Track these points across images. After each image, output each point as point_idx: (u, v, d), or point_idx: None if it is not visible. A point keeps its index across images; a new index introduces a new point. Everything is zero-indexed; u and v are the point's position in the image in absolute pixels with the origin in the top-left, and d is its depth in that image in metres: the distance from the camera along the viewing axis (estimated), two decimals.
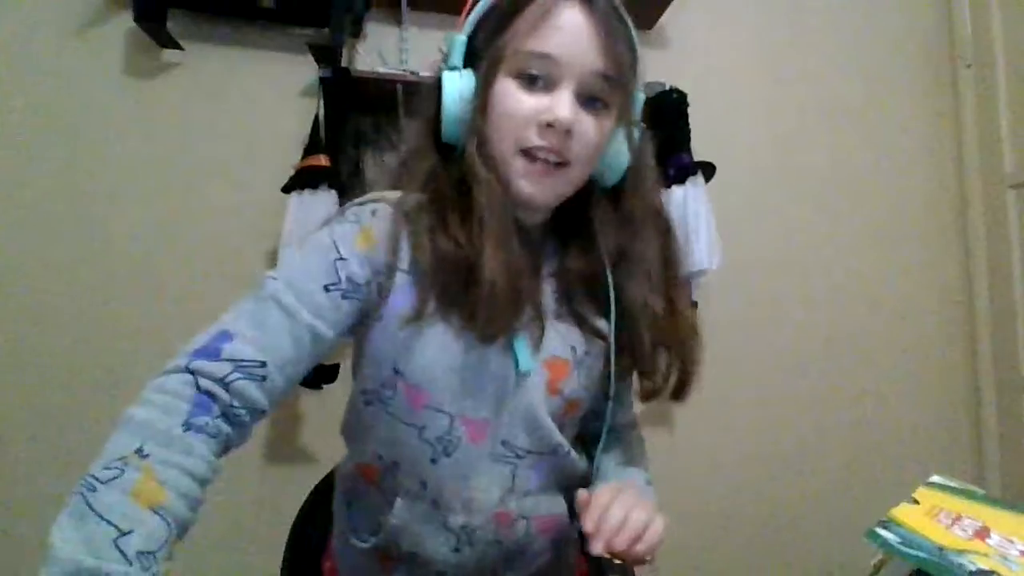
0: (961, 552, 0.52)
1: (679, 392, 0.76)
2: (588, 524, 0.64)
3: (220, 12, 1.84)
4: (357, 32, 1.90)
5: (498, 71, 0.65)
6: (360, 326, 0.69)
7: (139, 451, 0.52)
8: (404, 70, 1.82)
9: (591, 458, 0.82)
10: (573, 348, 0.73)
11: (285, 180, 1.68)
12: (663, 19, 2.04)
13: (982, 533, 0.55)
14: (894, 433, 2.13)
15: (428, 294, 0.65)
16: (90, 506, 0.48)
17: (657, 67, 2.01)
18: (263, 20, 1.85)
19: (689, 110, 1.86)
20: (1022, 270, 2.05)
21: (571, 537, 0.82)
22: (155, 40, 1.78)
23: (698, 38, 2.14)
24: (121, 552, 0.47)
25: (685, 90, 1.85)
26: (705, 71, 2.09)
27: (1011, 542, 0.54)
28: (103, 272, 1.78)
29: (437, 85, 0.69)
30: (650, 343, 0.72)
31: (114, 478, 0.50)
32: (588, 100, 0.67)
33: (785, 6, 2.22)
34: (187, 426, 0.55)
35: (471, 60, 0.69)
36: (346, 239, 0.66)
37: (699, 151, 1.84)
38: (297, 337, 0.62)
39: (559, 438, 0.73)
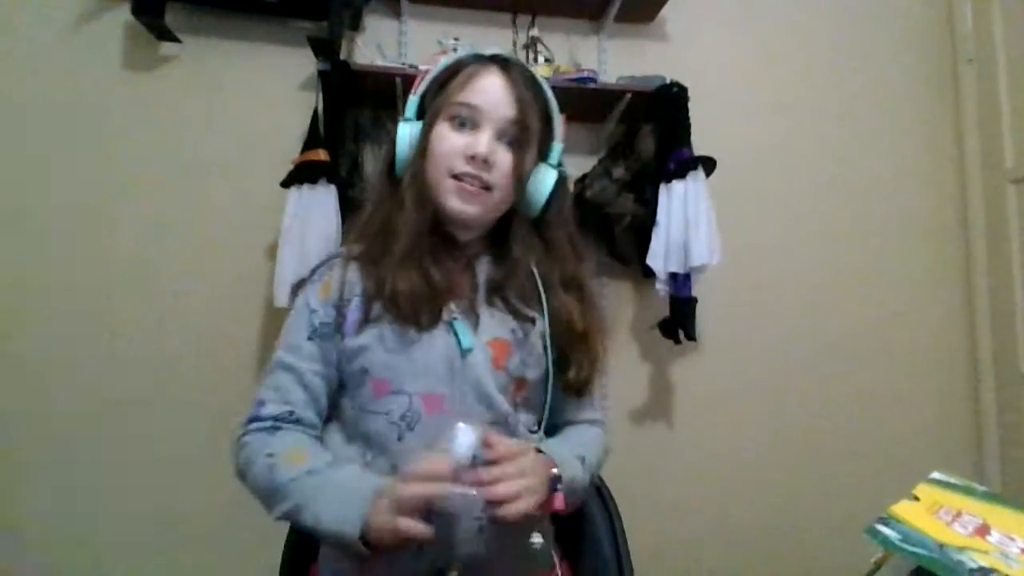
0: (961, 549, 0.52)
1: (586, 391, 0.91)
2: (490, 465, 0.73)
3: (218, 5, 1.83)
4: (356, 25, 1.89)
5: (436, 119, 0.86)
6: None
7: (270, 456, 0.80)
8: (403, 63, 1.82)
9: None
10: (513, 331, 0.86)
11: (284, 174, 1.67)
12: (663, 13, 2.03)
13: (982, 530, 0.54)
14: (894, 430, 2.12)
15: (372, 303, 0.83)
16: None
17: (657, 61, 2.01)
18: (261, 13, 1.84)
19: (689, 104, 1.85)
20: (1022, 266, 2.05)
21: (543, 517, 0.86)
22: (153, 33, 1.78)
23: (698, 32, 2.13)
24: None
25: (685, 84, 1.85)
26: (705, 65, 2.08)
27: (1012, 539, 0.53)
28: (102, 264, 1.78)
29: (394, 136, 0.90)
30: (573, 342, 0.88)
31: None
32: (506, 141, 0.86)
33: (785, 1, 2.21)
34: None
35: (420, 115, 0.90)
36: (313, 295, 0.88)
37: (699, 145, 1.84)
38: (305, 383, 0.85)
39: (507, 408, 0.84)
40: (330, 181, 1.66)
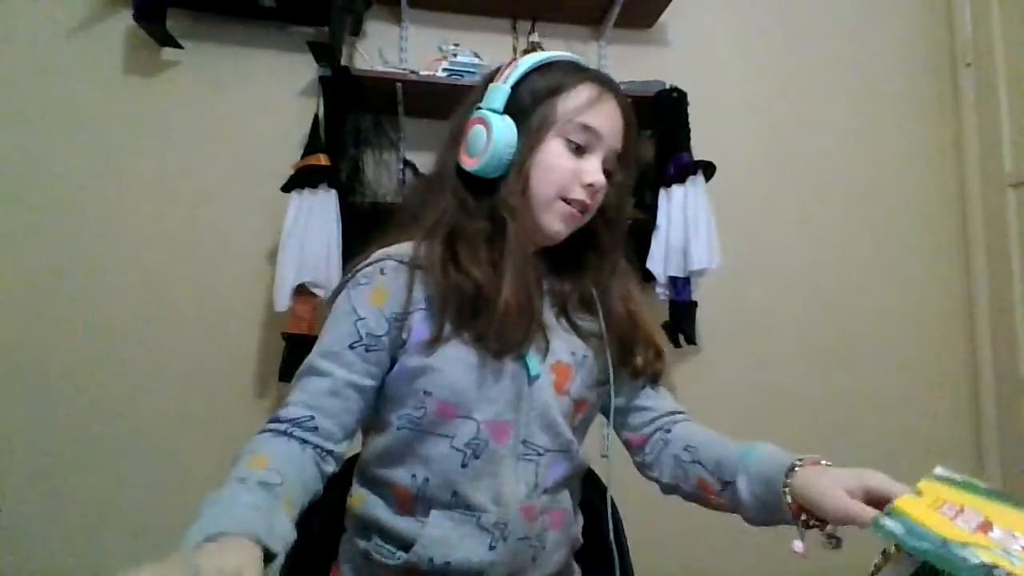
0: (964, 545, 0.52)
1: (656, 377, 0.93)
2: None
3: (220, 11, 1.84)
4: (357, 31, 1.90)
5: (548, 132, 0.81)
6: (391, 367, 0.80)
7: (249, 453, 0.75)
8: (404, 69, 1.82)
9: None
10: (573, 353, 0.84)
11: (285, 179, 1.68)
12: (663, 18, 2.04)
13: (984, 527, 0.54)
14: (894, 432, 2.12)
15: (443, 320, 0.77)
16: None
17: (657, 66, 2.01)
18: (262, 19, 1.85)
19: (689, 109, 1.86)
20: (1022, 269, 2.05)
21: (576, 534, 0.88)
22: (155, 39, 1.78)
23: (697, 37, 2.14)
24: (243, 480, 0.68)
25: (685, 89, 1.86)
26: (705, 70, 2.09)
27: (1013, 536, 0.53)
28: (102, 269, 1.78)
29: (463, 124, 0.83)
30: (630, 337, 0.88)
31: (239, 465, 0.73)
32: (607, 167, 0.84)
33: (785, 6, 2.22)
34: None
35: (509, 110, 0.81)
36: (361, 300, 0.79)
37: (699, 150, 1.84)
38: (336, 391, 0.77)
39: (570, 435, 0.83)
40: (331, 186, 1.67)
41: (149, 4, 1.68)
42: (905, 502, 0.58)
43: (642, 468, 0.92)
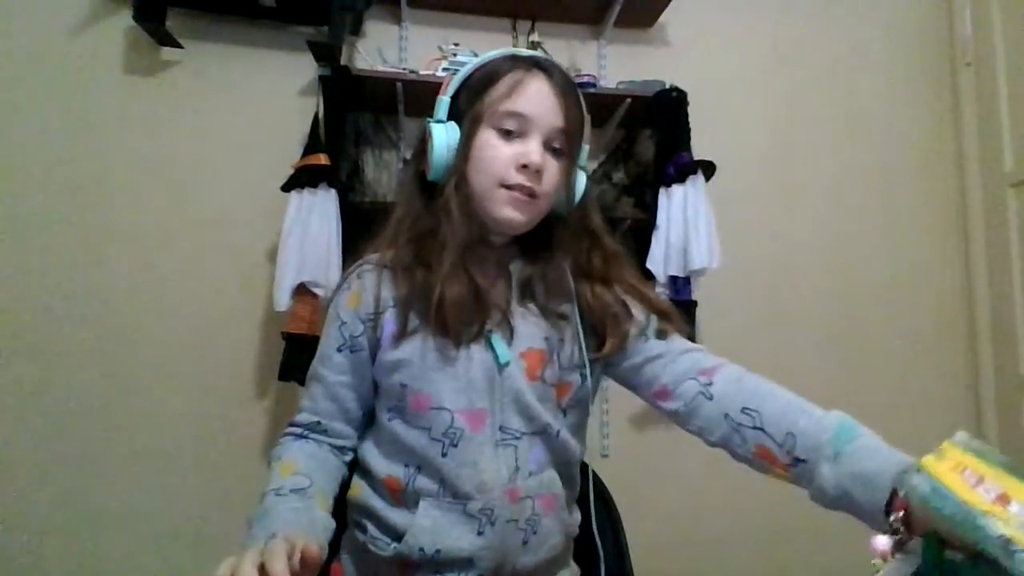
0: (985, 514, 0.51)
1: (665, 322, 0.89)
2: None
3: (219, 10, 1.84)
4: (357, 30, 1.90)
5: (479, 125, 0.83)
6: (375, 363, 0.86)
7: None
8: (404, 68, 1.82)
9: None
10: (546, 338, 0.85)
11: (285, 178, 1.68)
12: (663, 18, 2.04)
13: (1003, 499, 0.53)
14: (894, 431, 2.09)
15: (408, 315, 0.82)
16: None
17: (656, 66, 2.01)
18: (262, 18, 1.85)
19: (689, 109, 1.86)
20: (1022, 268, 2.05)
21: (572, 522, 0.88)
22: (154, 38, 1.79)
23: (697, 37, 2.14)
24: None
25: (685, 89, 1.85)
26: (705, 70, 2.09)
27: None
28: (102, 269, 1.79)
29: (423, 137, 0.86)
30: (604, 312, 0.87)
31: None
32: (552, 148, 0.85)
33: (784, 5, 2.22)
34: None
35: (453, 116, 0.86)
36: (342, 305, 0.87)
37: (699, 150, 1.84)
38: (334, 394, 0.86)
39: (547, 418, 0.84)
40: (331, 185, 1.67)
41: (149, 4, 1.69)
42: (930, 462, 0.57)
43: (677, 420, 0.87)
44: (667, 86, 1.86)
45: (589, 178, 0.93)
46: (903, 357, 2.16)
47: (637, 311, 0.88)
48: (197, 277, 1.82)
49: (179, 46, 1.81)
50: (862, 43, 2.24)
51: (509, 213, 0.83)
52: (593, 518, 0.87)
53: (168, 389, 1.79)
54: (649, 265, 1.80)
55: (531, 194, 0.83)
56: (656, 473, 1.97)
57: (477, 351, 0.82)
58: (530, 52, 0.88)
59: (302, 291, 1.65)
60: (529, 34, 1.92)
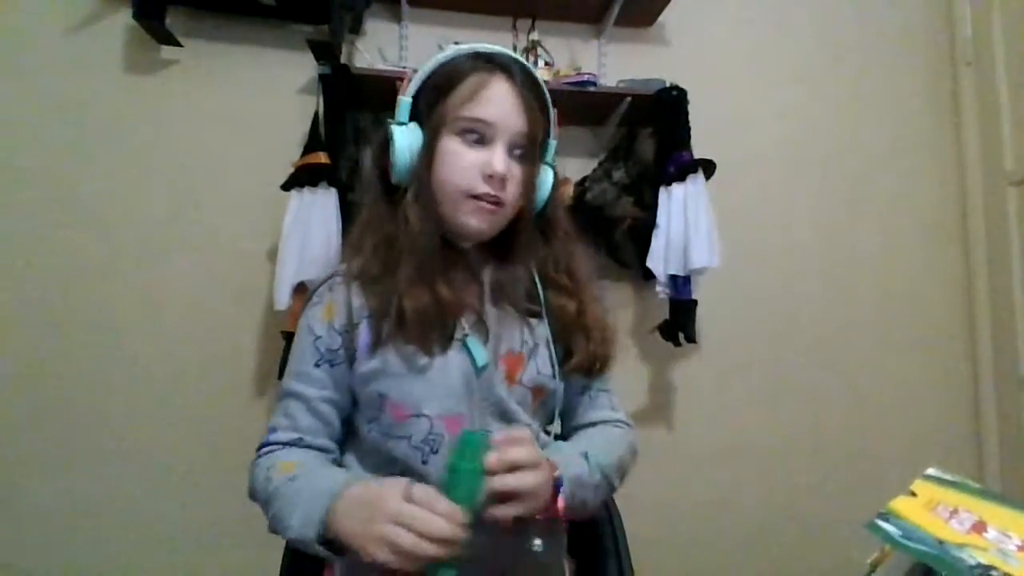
0: (960, 546, 0.52)
1: (600, 368, 0.90)
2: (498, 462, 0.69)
3: (219, 9, 1.83)
4: (356, 29, 1.90)
5: (442, 131, 0.81)
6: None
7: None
8: (404, 67, 1.82)
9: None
10: (525, 342, 0.85)
11: (285, 177, 1.68)
12: (662, 16, 2.04)
13: (979, 527, 0.54)
14: (894, 431, 2.12)
15: (381, 326, 0.81)
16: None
17: (657, 64, 2.01)
18: (262, 17, 1.84)
19: (689, 107, 1.85)
20: (1022, 268, 2.05)
21: (559, 524, 0.87)
22: (154, 37, 1.78)
23: (698, 36, 2.14)
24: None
25: (685, 87, 1.85)
26: (705, 69, 2.08)
27: (1008, 536, 0.53)
28: (101, 267, 1.78)
29: (385, 138, 0.85)
30: (571, 328, 0.88)
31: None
32: (517, 153, 0.83)
33: (784, 5, 2.21)
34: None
35: (415, 118, 0.84)
36: (315, 319, 0.85)
37: (699, 149, 1.84)
38: (313, 409, 0.83)
39: (527, 420, 0.84)
40: (331, 184, 1.66)
41: (149, 2, 1.68)
42: (900, 503, 0.58)
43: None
44: (667, 84, 1.86)
45: (556, 174, 0.92)
46: (903, 357, 2.16)
47: (603, 340, 0.89)
48: (197, 276, 1.82)
49: (179, 45, 1.81)
50: (862, 42, 2.24)
51: (474, 223, 0.82)
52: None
53: (168, 388, 1.79)
54: (649, 264, 1.80)
55: (496, 202, 0.82)
56: (654, 471, 1.97)
57: (454, 355, 0.81)
58: (491, 49, 0.85)
59: (302, 290, 1.65)
60: (529, 32, 1.92)
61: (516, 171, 0.83)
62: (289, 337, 1.66)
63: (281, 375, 1.68)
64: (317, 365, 0.83)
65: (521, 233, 0.88)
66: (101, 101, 1.81)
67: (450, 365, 0.81)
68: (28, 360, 1.74)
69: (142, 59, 1.84)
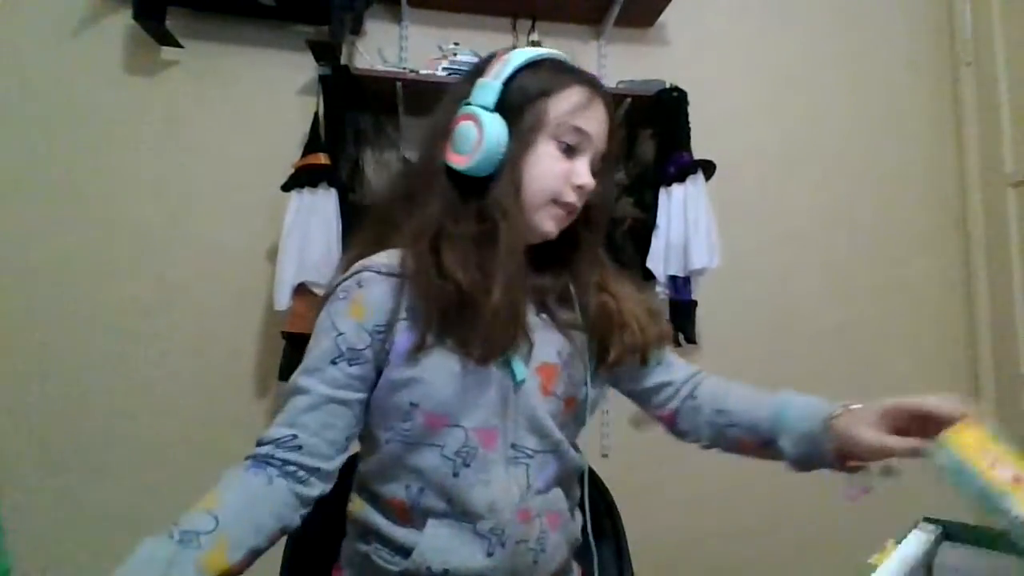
0: (1003, 494, 0.53)
1: (655, 347, 0.92)
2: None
3: (219, 9, 1.83)
4: (357, 30, 1.90)
5: (539, 134, 0.79)
6: (377, 380, 0.79)
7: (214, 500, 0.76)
8: (404, 68, 1.82)
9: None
10: (559, 352, 0.83)
11: (285, 178, 1.68)
12: (662, 18, 2.04)
13: (1018, 480, 0.55)
14: None
15: (427, 328, 0.75)
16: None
17: (657, 66, 2.01)
18: (262, 17, 1.85)
19: (689, 108, 1.86)
20: (1022, 268, 2.05)
21: (575, 532, 0.87)
22: (154, 37, 1.78)
23: (698, 37, 2.14)
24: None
25: (685, 88, 1.85)
26: (705, 70, 2.08)
27: None
28: (101, 267, 1.78)
29: (449, 121, 0.80)
30: (609, 326, 0.86)
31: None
32: (593, 168, 0.83)
33: (784, 5, 2.22)
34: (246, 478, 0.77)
35: (499, 107, 0.79)
36: (340, 315, 0.78)
37: (699, 150, 1.84)
38: (318, 407, 0.76)
39: (559, 436, 0.82)
40: (331, 185, 1.67)
41: (149, 2, 1.68)
42: (952, 436, 0.60)
43: (680, 436, 0.97)
44: (667, 86, 1.86)
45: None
46: (903, 357, 2.16)
47: (643, 328, 0.88)
48: (197, 276, 1.82)
49: (179, 45, 1.81)
50: (862, 43, 2.24)
51: (549, 227, 0.82)
52: (588, 522, 0.86)
53: (168, 388, 1.79)
54: (649, 264, 1.80)
55: (572, 212, 0.83)
56: (654, 470, 1.97)
57: (494, 368, 0.78)
58: (578, 67, 0.86)
59: (302, 290, 1.65)
60: (529, 33, 1.92)
61: (594, 186, 0.84)
62: (289, 338, 1.66)
63: (282, 376, 1.68)
64: (334, 363, 0.76)
65: (577, 243, 0.88)
66: (101, 101, 1.81)
67: (490, 378, 0.78)
68: (28, 360, 1.74)
69: (142, 59, 1.84)
